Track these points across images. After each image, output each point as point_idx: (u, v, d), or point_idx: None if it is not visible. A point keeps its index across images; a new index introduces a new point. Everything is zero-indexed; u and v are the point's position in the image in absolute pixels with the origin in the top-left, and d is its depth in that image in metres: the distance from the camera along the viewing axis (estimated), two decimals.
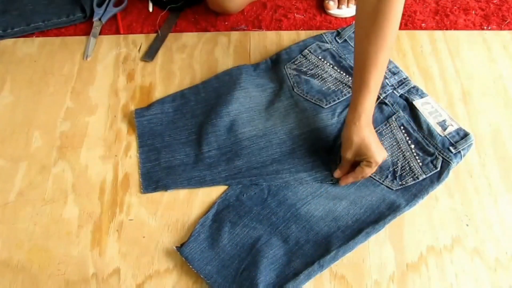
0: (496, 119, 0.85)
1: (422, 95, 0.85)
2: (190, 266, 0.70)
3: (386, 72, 0.87)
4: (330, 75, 0.89)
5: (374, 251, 0.72)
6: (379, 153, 0.73)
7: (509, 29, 0.99)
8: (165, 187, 0.78)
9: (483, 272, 0.70)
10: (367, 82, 0.70)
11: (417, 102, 0.83)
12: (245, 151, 0.81)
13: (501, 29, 0.99)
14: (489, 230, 0.74)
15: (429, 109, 0.83)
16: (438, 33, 0.98)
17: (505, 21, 1.00)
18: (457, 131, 0.80)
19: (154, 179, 0.79)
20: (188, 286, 0.70)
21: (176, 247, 0.72)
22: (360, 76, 0.71)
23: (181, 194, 0.79)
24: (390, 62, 0.89)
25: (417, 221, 0.75)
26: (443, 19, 1.01)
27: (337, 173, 0.77)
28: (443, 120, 0.81)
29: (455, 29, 0.99)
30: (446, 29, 0.99)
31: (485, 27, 0.99)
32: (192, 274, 0.71)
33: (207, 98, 0.88)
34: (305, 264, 0.69)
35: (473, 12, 1.02)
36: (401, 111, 0.83)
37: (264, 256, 0.70)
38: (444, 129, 0.80)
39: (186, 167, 0.80)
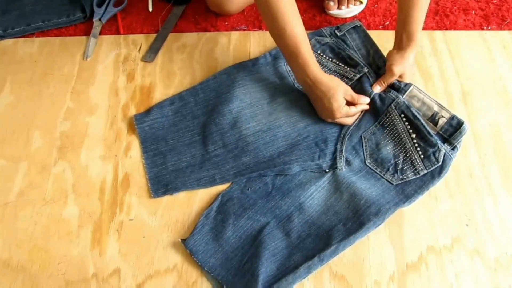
0: (496, 119, 0.85)
1: (405, 88, 0.82)
2: (194, 259, 0.70)
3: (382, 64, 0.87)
4: (329, 69, 0.89)
5: (374, 251, 0.72)
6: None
7: (509, 29, 0.99)
8: (175, 190, 0.78)
9: (483, 272, 0.70)
10: (418, 11, 0.78)
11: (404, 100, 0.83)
12: (251, 147, 0.81)
13: (501, 29, 0.99)
14: (489, 230, 0.74)
15: (416, 105, 0.82)
16: (438, 33, 0.98)
17: (505, 21, 1.00)
18: (449, 122, 0.79)
19: (162, 183, 0.79)
20: (188, 286, 0.70)
21: (181, 239, 0.72)
22: (407, 6, 0.79)
23: (181, 194, 0.79)
24: (381, 55, 0.89)
25: (417, 221, 0.75)
26: (443, 19, 1.01)
27: (377, 88, 0.84)
28: (433, 115, 0.80)
29: (455, 29, 0.99)
30: (446, 29, 0.99)
31: (485, 27, 0.99)
32: (192, 274, 0.71)
33: (206, 98, 0.88)
34: (305, 258, 0.70)
35: (473, 12, 1.02)
36: (400, 97, 0.82)
37: (266, 248, 0.70)
38: (436, 124, 0.79)
39: (193, 168, 0.80)
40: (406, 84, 0.83)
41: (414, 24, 0.79)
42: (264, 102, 0.87)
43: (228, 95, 0.86)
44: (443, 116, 0.79)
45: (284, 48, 0.78)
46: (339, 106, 0.79)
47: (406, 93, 0.82)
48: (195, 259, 0.70)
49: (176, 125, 0.85)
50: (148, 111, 0.87)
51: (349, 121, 0.82)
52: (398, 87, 0.83)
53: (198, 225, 0.73)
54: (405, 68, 0.82)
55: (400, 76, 0.83)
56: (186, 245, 0.71)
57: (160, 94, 0.90)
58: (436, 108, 0.80)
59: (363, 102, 0.82)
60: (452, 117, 0.79)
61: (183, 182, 0.79)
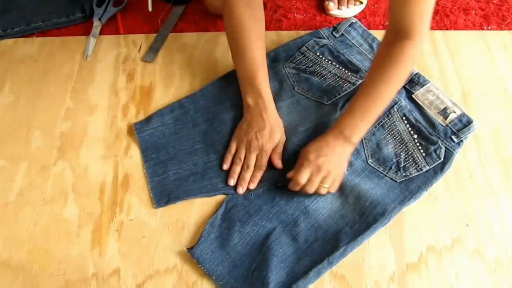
0: (496, 120, 0.85)
1: (424, 82, 0.85)
2: (202, 268, 0.70)
3: None
4: (329, 71, 0.89)
5: (374, 251, 0.72)
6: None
7: (509, 29, 0.99)
8: (177, 199, 0.77)
9: (483, 272, 0.70)
10: (355, 106, 0.74)
11: (417, 94, 0.84)
12: None
13: (501, 29, 0.99)
14: (489, 230, 0.74)
15: (430, 98, 0.83)
16: (438, 33, 0.98)
17: (505, 21, 1.00)
18: (459, 118, 0.81)
19: (165, 192, 0.78)
20: (188, 286, 0.70)
21: (187, 248, 0.72)
22: (355, 99, 0.75)
23: None
24: None
25: (417, 221, 0.75)
26: (443, 19, 1.01)
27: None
28: (445, 108, 0.81)
29: (455, 29, 0.99)
30: (446, 29, 0.99)
31: (485, 27, 0.99)
32: (192, 274, 0.71)
33: (207, 106, 0.87)
34: (314, 262, 0.69)
35: (473, 12, 1.02)
36: (402, 101, 0.83)
37: (274, 255, 0.70)
38: (446, 118, 0.81)
39: (196, 176, 0.79)
40: (425, 80, 0.85)
41: (348, 112, 0.74)
42: None
43: (229, 102, 0.86)
44: (454, 112, 0.81)
45: (242, 69, 0.79)
46: (268, 141, 0.78)
47: (423, 87, 0.84)
48: (202, 268, 0.70)
49: (177, 133, 0.84)
50: (148, 119, 0.86)
51: (242, 156, 0.78)
52: (416, 81, 0.85)
53: (203, 234, 0.73)
54: (320, 157, 0.72)
55: (316, 174, 0.73)
56: (193, 254, 0.71)
57: (160, 94, 0.90)
58: (449, 103, 0.82)
59: (264, 164, 0.78)
60: (463, 114, 0.81)
61: (185, 191, 0.78)
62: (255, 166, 0.78)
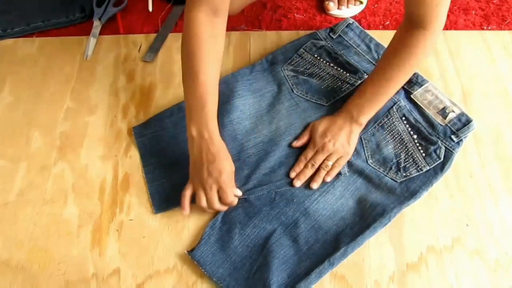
0: (496, 120, 0.85)
1: (422, 82, 0.84)
2: (202, 270, 0.70)
3: None
4: (328, 73, 0.89)
5: (374, 251, 0.72)
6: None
7: (509, 29, 0.99)
8: (177, 204, 0.75)
9: (483, 272, 0.70)
10: (365, 89, 0.77)
11: (416, 94, 0.84)
12: (253, 158, 0.80)
13: (501, 29, 0.99)
14: (489, 230, 0.74)
15: (429, 98, 0.83)
16: None
17: (505, 21, 1.00)
18: (459, 117, 0.81)
19: (164, 197, 0.77)
20: (188, 286, 0.70)
21: (187, 251, 0.72)
22: (365, 82, 0.78)
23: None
24: (383, 48, 0.90)
25: (417, 221, 0.75)
26: None
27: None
28: (444, 108, 0.81)
29: (455, 29, 0.99)
30: (446, 29, 0.99)
31: (485, 27, 0.99)
32: (192, 274, 0.71)
33: None
34: (315, 263, 0.69)
35: (473, 12, 1.02)
36: (401, 101, 0.83)
37: (275, 257, 0.70)
38: (445, 117, 0.81)
39: None
40: (423, 80, 0.85)
41: (358, 99, 0.78)
42: (263, 112, 0.85)
43: (228, 105, 0.85)
44: (453, 111, 0.81)
45: (191, 94, 0.71)
46: (221, 173, 0.69)
47: (422, 87, 0.84)
48: (203, 270, 0.70)
49: (176, 137, 0.83)
50: (147, 124, 0.85)
51: (203, 203, 0.70)
52: (415, 81, 0.84)
53: (204, 236, 0.73)
54: (329, 137, 0.77)
55: (321, 150, 0.77)
56: (193, 257, 0.71)
57: (160, 94, 0.90)
58: (448, 103, 0.82)
59: (230, 201, 0.71)
60: (462, 114, 0.81)
61: None
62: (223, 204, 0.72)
